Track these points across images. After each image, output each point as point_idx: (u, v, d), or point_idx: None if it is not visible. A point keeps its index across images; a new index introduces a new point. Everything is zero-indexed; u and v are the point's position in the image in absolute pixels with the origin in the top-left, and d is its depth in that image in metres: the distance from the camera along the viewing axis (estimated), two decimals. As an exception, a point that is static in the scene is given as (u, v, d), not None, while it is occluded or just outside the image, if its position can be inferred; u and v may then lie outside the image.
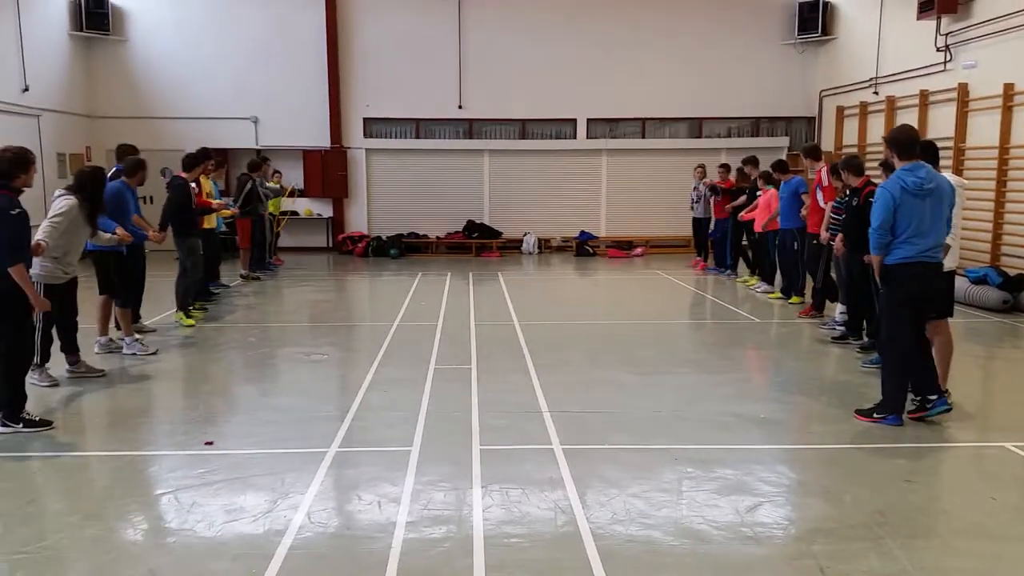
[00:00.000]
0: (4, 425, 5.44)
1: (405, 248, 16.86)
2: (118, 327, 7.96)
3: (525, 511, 4.21)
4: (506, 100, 17.22)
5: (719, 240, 13.54)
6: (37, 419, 5.58)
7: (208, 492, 4.48)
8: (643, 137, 17.66)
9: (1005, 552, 3.85)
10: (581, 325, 9.58)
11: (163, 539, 3.95)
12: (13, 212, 5.34)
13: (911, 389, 5.65)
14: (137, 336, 7.94)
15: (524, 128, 17.60)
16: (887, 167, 7.05)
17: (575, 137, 17.58)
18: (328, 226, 17.70)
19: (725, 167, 13.61)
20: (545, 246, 17.46)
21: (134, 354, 7.67)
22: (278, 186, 14.40)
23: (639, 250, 16.94)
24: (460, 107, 17.25)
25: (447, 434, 5.41)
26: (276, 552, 3.75)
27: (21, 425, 5.46)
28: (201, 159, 10.12)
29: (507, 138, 17.53)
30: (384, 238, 16.97)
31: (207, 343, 8.41)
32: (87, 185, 6.39)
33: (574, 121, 17.54)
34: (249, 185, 12.67)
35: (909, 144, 5.53)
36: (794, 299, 10.44)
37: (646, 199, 17.44)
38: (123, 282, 7.71)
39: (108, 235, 7.00)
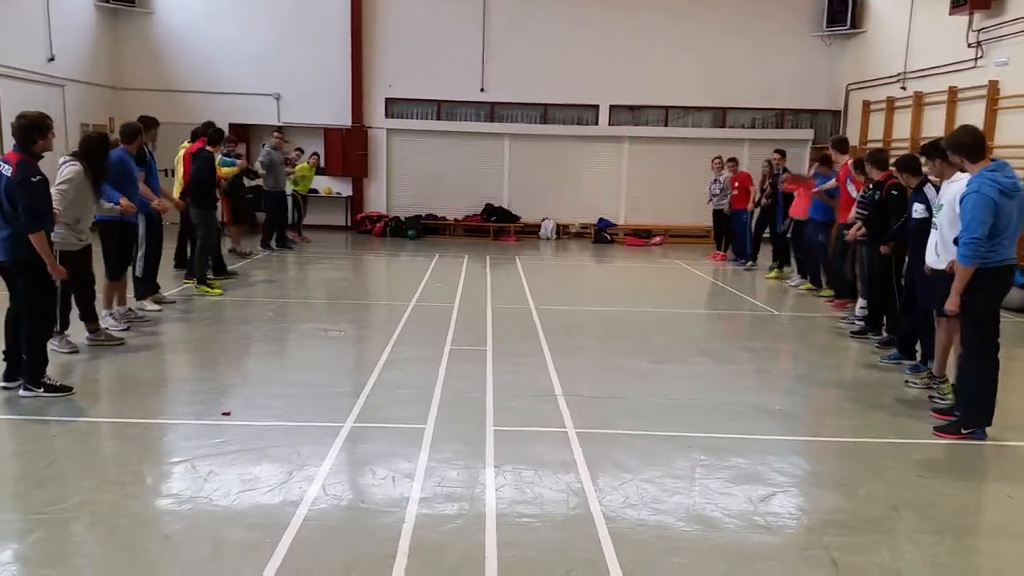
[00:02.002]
0: (26, 389, 5.52)
1: (423, 229, 16.87)
2: (139, 297, 8.03)
3: (537, 492, 4.22)
4: (529, 84, 17.15)
5: (740, 231, 13.47)
6: (58, 384, 5.65)
7: (224, 462, 4.53)
8: (666, 125, 17.55)
9: (1020, 551, 3.83)
10: (598, 311, 9.56)
11: (179, 506, 3.99)
12: (34, 179, 5.36)
13: (962, 404, 5.44)
14: (115, 312, 7.63)
15: (546, 113, 17.52)
16: (902, 166, 6.99)
17: (597, 123, 17.49)
18: (347, 205, 17.76)
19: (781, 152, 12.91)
20: (563, 232, 17.42)
21: (107, 328, 7.31)
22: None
23: (658, 239, 16.87)
24: (482, 90, 17.20)
25: (461, 414, 5.43)
26: (291, 522, 3.78)
27: (42, 390, 5.53)
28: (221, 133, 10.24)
29: (529, 122, 17.47)
30: (402, 219, 16.99)
31: (225, 316, 8.48)
32: (91, 151, 6.37)
33: (596, 107, 17.45)
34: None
35: (978, 145, 5.23)
36: (824, 291, 10.40)
37: (667, 188, 17.34)
38: (120, 256, 7.54)
39: (110, 204, 6.90)
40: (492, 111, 17.49)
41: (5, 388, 5.65)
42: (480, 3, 16.90)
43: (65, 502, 4.00)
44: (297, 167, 14.95)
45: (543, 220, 17.27)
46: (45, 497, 4.04)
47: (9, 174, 5.33)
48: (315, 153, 15.82)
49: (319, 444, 4.77)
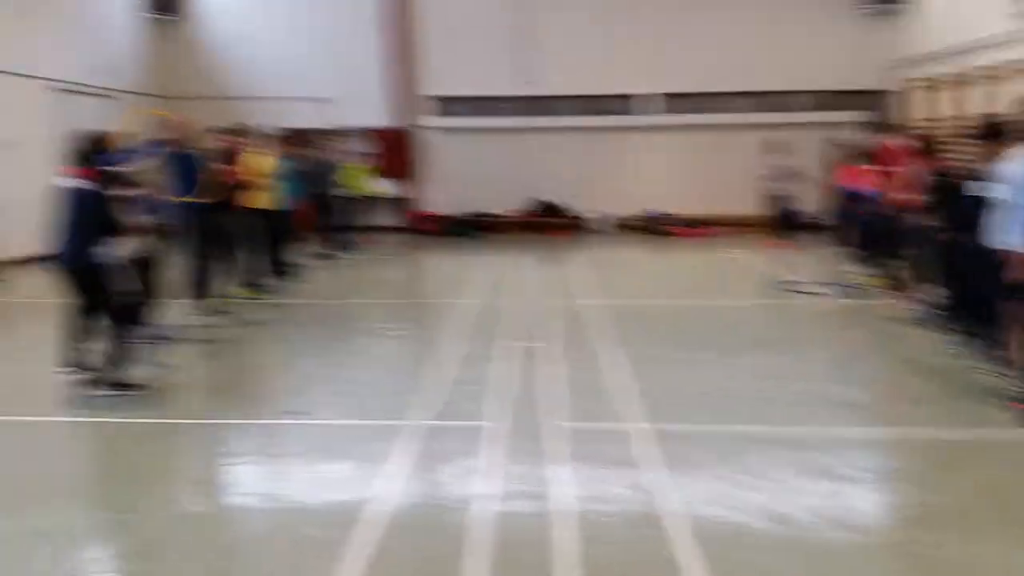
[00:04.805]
0: (103, 387, 5.72)
1: (477, 227, 16.90)
2: (196, 299, 8.23)
3: (610, 489, 4.20)
4: (577, 76, 17.05)
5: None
6: (134, 383, 5.84)
7: (297, 459, 4.63)
8: (714, 112, 17.25)
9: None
10: (659, 304, 9.47)
11: (257, 503, 4.08)
12: (102, 191, 5.70)
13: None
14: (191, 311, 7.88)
15: (595, 104, 17.40)
16: (986, 135, 6.59)
17: (647, 113, 17.30)
18: (400, 206, 17.90)
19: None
20: (616, 224, 17.31)
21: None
22: None
23: (712, 229, 16.62)
24: (531, 84, 17.14)
25: (529, 410, 5.42)
26: (364, 520, 3.82)
27: (118, 388, 5.73)
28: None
29: (578, 114, 17.39)
30: (456, 217, 17.07)
31: (292, 317, 8.66)
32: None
33: (648, 96, 17.24)
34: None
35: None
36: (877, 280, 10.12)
37: (719, 176, 17.05)
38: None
39: None
40: (541, 105, 17.45)
41: (67, 375, 5.86)
42: (522, -4, 16.86)
43: (145, 500, 4.12)
44: (347, 167, 15.13)
45: (596, 213, 17.18)
46: (126, 496, 4.18)
47: (76, 187, 5.59)
48: (366, 153, 15.97)
49: (388, 442, 4.81)
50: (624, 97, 17.29)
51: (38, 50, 13.05)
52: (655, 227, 16.72)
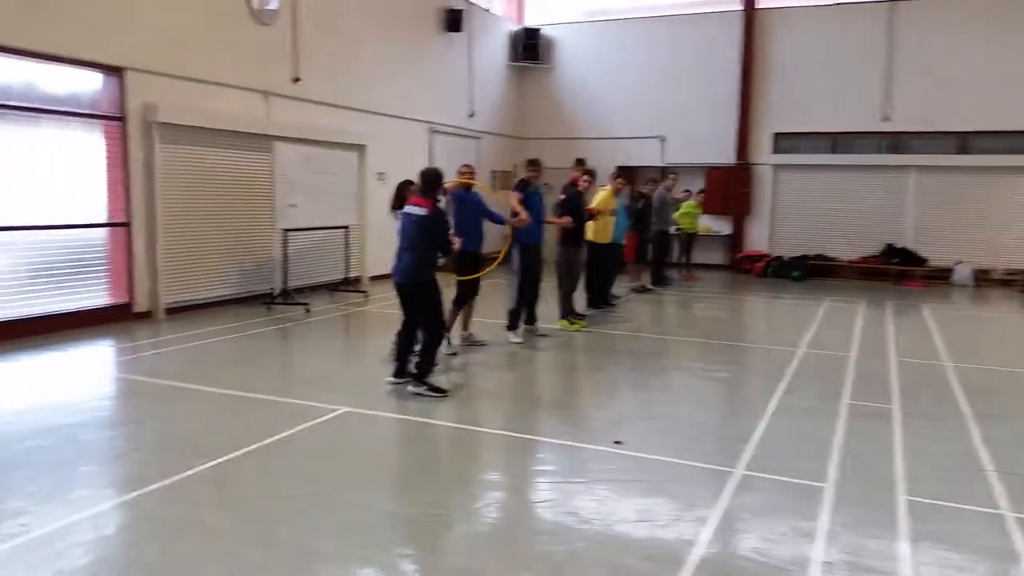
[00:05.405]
0: (415, 386, 6.43)
1: (809, 270, 15.92)
2: (509, 327, 8.78)
3: (969, 579, 3.61)
4: (942, 110, 15.33)
5: None
6: (439, 387, 6.47)
7: (618, 489, 4.65)
8: None
9: None
10: (1033, 374, 8.04)
11: (579, 524, 4.16)
12: (444, 218, 6.59)
13: None
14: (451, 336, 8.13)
15: (963, 142, 15.46)
16: None
17: (1035, 151, 14.95)
18: (727, 244, 17.52)
19: None
20: (983, 278, 15.11)
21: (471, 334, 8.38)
22: None
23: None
24: (885, 119, 15.79)
25: (866, 476, 4.90)
26: (687, 560, 3.72)
27: (426, 388, 6.39)
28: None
29: (941, 153, 15.57)
30: (786, 258, 16.24)
31: (603, 347, 8.86)
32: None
33: (1036, 131, 14.93)
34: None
35: None
36: None
37: None
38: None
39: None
40: (896, 142, 15.95)
41: (394, 383, 6.70)
42: (884, 27, 15.62)
43: (462, 501, 4.44)
44: (679, 204, 15.18)
45: (956, 264, 15.18)
46: (445, 493, 4.56)
47: (423, 214, 6.42)
48: (698, 190, 15.94)
49: (710, 486, 4.67)
50: (1007, 134, 15.12)
51: (426, 99, 15.10)
52: (1036, 284, 14.31)
